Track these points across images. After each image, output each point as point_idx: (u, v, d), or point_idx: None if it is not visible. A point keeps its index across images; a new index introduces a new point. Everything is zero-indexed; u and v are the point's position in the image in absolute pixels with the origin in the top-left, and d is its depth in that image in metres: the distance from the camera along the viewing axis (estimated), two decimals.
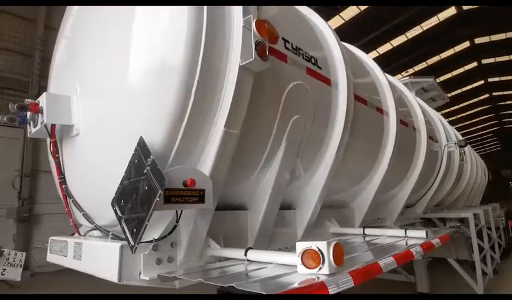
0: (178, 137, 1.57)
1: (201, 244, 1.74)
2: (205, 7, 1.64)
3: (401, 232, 2.40)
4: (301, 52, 2.12)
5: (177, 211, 1.56)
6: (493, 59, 25.59)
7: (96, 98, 1.98)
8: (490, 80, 29.11)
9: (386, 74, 3.80)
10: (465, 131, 38.61)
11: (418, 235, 2.32)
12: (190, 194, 1.46)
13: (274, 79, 1.95)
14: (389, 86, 3.40)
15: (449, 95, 29.34)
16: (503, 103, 33.93)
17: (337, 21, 19.14)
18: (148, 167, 1.42)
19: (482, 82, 29.49)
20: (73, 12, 2.43)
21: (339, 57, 2.57)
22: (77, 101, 2.07)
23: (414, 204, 5.02)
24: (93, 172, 1.96)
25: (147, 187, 1.40)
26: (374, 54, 21.82)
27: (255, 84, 1.70)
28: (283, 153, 1.99)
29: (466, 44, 23.81)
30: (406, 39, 22.02)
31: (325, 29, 2.79)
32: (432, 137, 4.53)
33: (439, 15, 20.54)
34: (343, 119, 2.38)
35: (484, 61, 26.02)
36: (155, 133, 1.56)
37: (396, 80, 5.32)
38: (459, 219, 6.71)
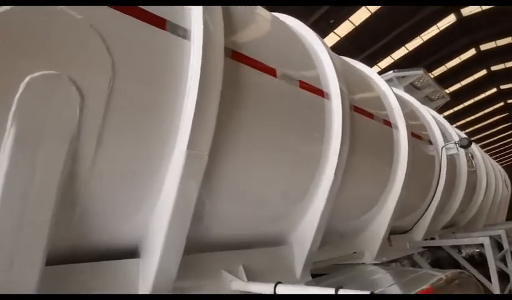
0: None
1: None
2: None
3: (329, 290, 1.33)
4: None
5: None
6: (503, 64, 24.31)
7: None
8: (503, 87, 27.60)
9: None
10: (484, 143, 36.52)
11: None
12: None
13: None
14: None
15: (461, 106, 28.08)
16: None
17: (333, 38, 18.67)
18: None
19: (494, 90, 28.01)
20: None
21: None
22: None
23: (411, 227, 3.85)
24: None
25: None
26: (376, 68, 21.04)
27: None
28: None
29: (472, 52, 22.79)
30: (407, 51, 21.28)
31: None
32: (420, 137, 3.44)
33: (438, 24, 19.84)
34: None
35: (493, 68, 24.76)
36: None
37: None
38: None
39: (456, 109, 29.31)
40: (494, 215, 7.88)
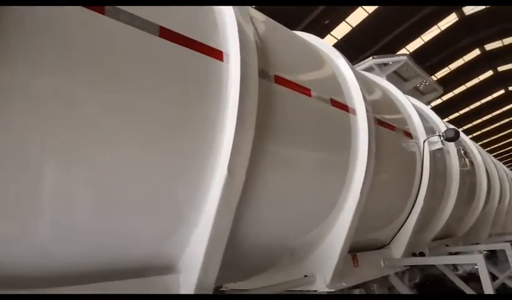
0: None
1: None
2: None
3: None
4: None
5: None
6: (510, 64, 23.35)
7: None
8: (511, 88, 26.55)
9: None
10: (493, 147, 35.22)
11: None
12: None
13: None
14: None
15: (467, 108, 27.31)
16: None
17: (330, 40, 18.11)
18: None
19: (502, 91, 26.97)
20: None
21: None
22: None
23: (389, 241, 3.12)
24: None
25: None
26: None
27: None
28: None
29: (476, 52, 21.95)
30: (408, 52, 20.57)
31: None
32: (393, 127, 2.73)
33: (439, 24, 19.14)
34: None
35: (500, 68, 23.81)
36: None
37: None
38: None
39: (462, 112, 28.31)
40: (502, 223, 7.03)
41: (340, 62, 2.41)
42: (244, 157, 1.41)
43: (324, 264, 2.24)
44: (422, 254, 3.84)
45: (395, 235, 3.11)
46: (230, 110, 1.39)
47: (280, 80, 1.68)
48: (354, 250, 2.70)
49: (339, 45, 17.93)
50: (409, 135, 3.03)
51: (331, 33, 17.90)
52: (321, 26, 16.60)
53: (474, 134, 31.29)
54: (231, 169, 1.36)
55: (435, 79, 23.95)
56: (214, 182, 1.38)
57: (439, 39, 19.81)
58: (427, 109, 4.01)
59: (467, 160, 3.70)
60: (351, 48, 18.07)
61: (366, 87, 2.60)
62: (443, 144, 2.98)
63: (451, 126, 3.47)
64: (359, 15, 17.33)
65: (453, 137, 2.89)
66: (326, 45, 2.58)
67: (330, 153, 2.09)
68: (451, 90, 25.36)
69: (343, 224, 2.16)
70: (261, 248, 2.14)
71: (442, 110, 25.28)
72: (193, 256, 1.44)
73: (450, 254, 4.17)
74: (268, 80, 1.63)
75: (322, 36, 17.02)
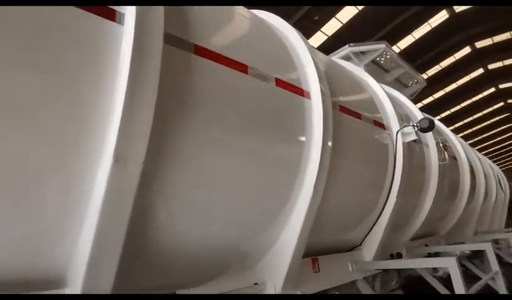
0: None
1: None
2: None
3: None
4: None
5: None
6: (501, 62, 23.36)
7: None
8: (501, 86, 26.59)
9: None
10: (484, 145, 35.35)
11: None
12: None
13: None
14: None
15: (458, 107, 27.30)
16: None
17: (320, 37, 17.88)
18: None
19: (493, 89, 27.00)
20: None
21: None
22: None
23: (360, 242, 2.85)
24: None
25: None
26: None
27: None
28: None
29: (467, 50, 21.90)
30: (399, 49, 20.42)
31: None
32: (359, 115, 2.45)
33: (430, 21, 19.03)
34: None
35: (490, 66, 23.81)
36: None
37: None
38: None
39: (453, 110, 28.29)
40: (489, 220, 6.83)
41: (292, 34, 2.10)
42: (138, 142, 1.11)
43: (275, 270, 1.95)
44: (399, 255, 3.59)
45: (366, 235, 2.84)
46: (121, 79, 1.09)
47: (202, 51, 1.39)
48: (318, 253, 2.43)
49: (330, 42, 17.70)
50: (381, 125, 2.76)
51: (321, 29, 17.66)
52: (310, 22, 16.37)
53: (465, 132, 31.35)
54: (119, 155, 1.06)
55: (426, 76, 23.91)
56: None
57: (430, 37, 19.72)
58: (404, 99, 3.74)
59: (446, 153, 3.44)
60: (342, 45, 17.86)
61: (328, 68, 2.32)
62: (417, 135, 2.71)
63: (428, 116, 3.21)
64: (349, 11, 17.11)
65: (428, 127, 2.62)
66: (281, 21, 2.25)
67: (277, 143, 1.80)
68: (443, 88, 25.32)
69: (294, 224, 1.87)
70: (204, 249, 1.85)
71: (434, 109, 25.20)
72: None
73: (429, 254, 3.93)
74: (185, 49, 1.34)
75: (312, 32, 16.81)
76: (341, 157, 2.20)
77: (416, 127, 2.68)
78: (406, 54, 20.24)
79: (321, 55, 2.34)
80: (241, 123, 1.55)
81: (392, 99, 2.96)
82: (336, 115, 2.09)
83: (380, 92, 2.88)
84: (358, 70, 3.11)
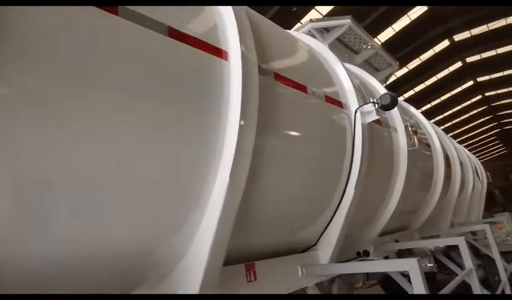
0: None
1: None
2: None
3: None
4: None
5: None
6: (478, 56, 23.63)
7: None
8: (479, 79, 26.99)
9: None
10: (464, 137, 35.96)
11: None
12: None
13: None
14: None
15: (438, 100, 27.59)
16: (498, 103, 31.54)
17: (299, 28, 17.45)
18: None
19: (471, 82, 27.38)
20: None
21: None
22: None
23: (316, 241, 2.45)
24: None
25: None
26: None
27: None
28: None
29: (446, 43, 22.03)
30: (380, 42, 20.31)
31: None
32: (303, 88, 2.02)
33: (409, 14, 18.97)
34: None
35: (468, 59, 24.07)
36: None
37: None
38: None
39: (433, 103, 28.54)
40: (466, 211, 6.62)
41: None
42: None
43: (189, 280, 1.52)
44: (366, 253, 3.23)
45: (322, 233, 2.44)
46: None
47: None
48: (259, 257, 2.01)
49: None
50: (336, 102, 2.35)
51: (300, 21, 17.30)
52: (289, 14, 15.97)
53: (446, 125, 31.76)
54: None
55: (407, 69, 23.92)
56: None
57: (410, 29, 19.68)
58: (366, 75, 3.35)
59: (415, 138, 3.07)
60: None
61: (261, 27, 1.88)
62: (378, 113, 2.31)
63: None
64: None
65: (389, 104, 2.23)
66: None
67: (184, 117, 1.36)
68: (423, 82, 25.45)
69: (208, 224, 1.44)
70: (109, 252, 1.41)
71: (415, 102, 25.30)
72: None
73: (400, 251, 3.60)
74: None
75: (292, 24, 16.40)
76: (278, 138, 1.77)
77: (376, 105, 2.29)
78: (386, 46, 20.19)
79: (251, 11, 1.90)
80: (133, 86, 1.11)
81: (353, 76, 2.55)
82: (269, 83, 1.66)
83: (337, 65, 2.47)
84: (314, 43, 2.69)
